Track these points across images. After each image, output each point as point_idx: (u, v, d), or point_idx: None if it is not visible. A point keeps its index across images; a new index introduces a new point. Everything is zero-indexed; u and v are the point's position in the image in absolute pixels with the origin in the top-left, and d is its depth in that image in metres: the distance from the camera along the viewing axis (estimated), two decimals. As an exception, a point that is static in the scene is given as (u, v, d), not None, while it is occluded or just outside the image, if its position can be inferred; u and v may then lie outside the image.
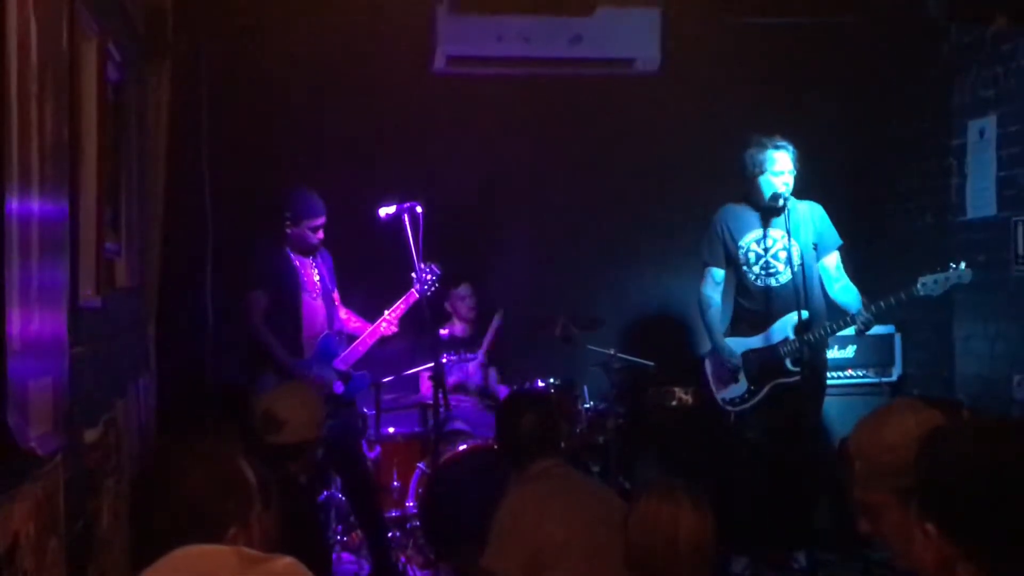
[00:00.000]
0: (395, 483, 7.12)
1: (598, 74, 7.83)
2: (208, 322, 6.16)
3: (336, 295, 6.92)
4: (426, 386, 7.34)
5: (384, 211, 6.64)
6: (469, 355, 7.69)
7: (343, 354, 6.73)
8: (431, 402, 6.78)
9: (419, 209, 6.56)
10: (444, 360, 7.09)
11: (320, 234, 6.66)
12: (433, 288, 6.92)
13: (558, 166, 8.12)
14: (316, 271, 6.74)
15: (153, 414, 5.43)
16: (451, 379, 7.44)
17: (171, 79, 5.52)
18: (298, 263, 6.67)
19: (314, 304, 6.69)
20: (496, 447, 5.50)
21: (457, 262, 7.42)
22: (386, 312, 6.82)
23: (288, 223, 6.61)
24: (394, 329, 6.84)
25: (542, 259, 8.10)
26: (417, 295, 6.82)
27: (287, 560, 1.82)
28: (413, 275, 6.77)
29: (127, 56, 4.46)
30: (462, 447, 6.85)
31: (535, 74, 7.77)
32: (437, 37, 7.32)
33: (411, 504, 7.06)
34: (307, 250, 6.70)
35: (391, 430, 7.31)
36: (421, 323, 6.91)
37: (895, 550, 2.84)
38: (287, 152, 7.51)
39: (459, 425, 7.26)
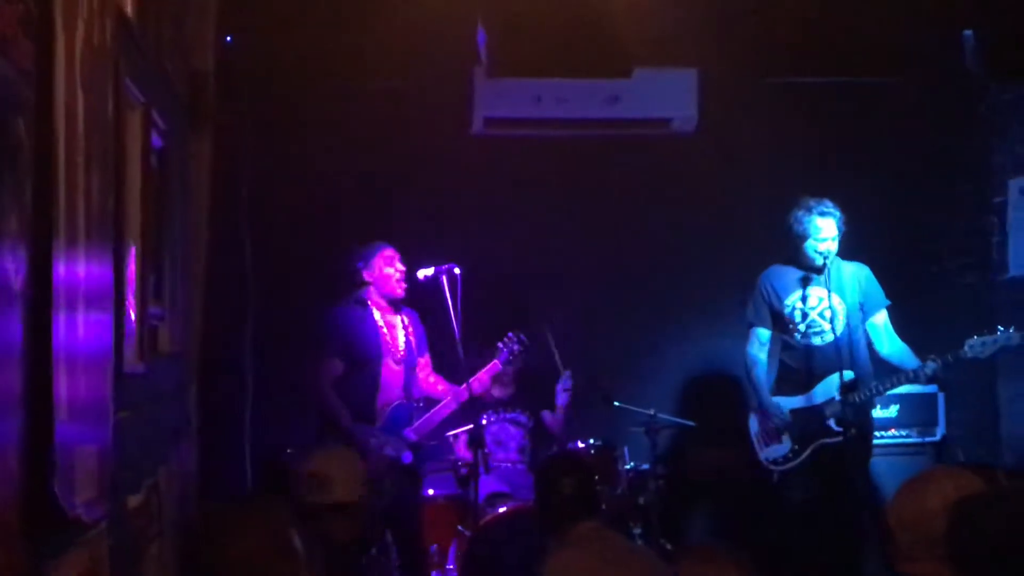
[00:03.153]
0: (435, 546, 7.07)
1: (635, 134, 7.87)
2: (248, 387, 6.19)
3: (424, 359, 6.86)
4: (464, 447, 7.30)
5: (422, 273, 6.64)
6: (508, 414, 7.64)
7: (416, 423, 6.68)
8: (470, 463, 6.74)
9: (457, 271, 6.56)
10: (483, 421, 7.06)
11: (399, 267, 6.60)
12: (519, 359, 6.89)
13: (597, 226, 8.12)
14: (403, 332, 6.69)
15: (194, 480, 5.43)
16: (491, 438, 7.41)
17: (213, 145, 5.57)
18: (383, 324, 6.63)
19: (394, 370, 6.63)
20: (536, 510, 5.47)
21: (495, 324, 7.41)
22: (466, 383, 6.71)
23: (363, 271, 6.59)
24: (483, 393, 6.81)
25: (582, 320, 8.09)
26: (501, 365, 6.80)
27: None
28: (500, 344, 6.77)
29: (171, 123, 4.51)
30: (503, 509, 6.81)
31: (573, 135, 7.81)
32: (475, 100, 7.38)
33: (451, 567, 7.01)
34: (394, 296, 6.63)
35: (431, 492, 7.27)
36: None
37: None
38: (327, 216, 7.55)
39: (500, 487, 7.22)
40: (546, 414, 7.54)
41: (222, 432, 6.30)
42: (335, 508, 4.38)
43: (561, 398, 7.42)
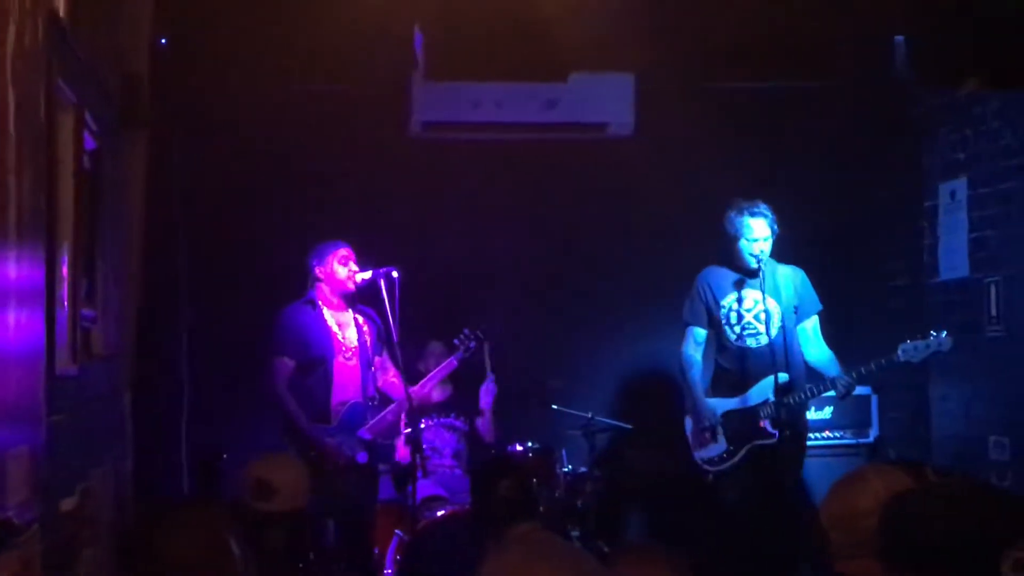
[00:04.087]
0: (373, 551, 7.05)
1: (572, 139, 7.89)
2: (184, 389, 6.15)
3: (383, 359, 6.83)
4: (402, 451, 7.28)
5: (360, 276, 6.62)
6: (444, 419, 7.64)
7: (371, 422, 6.65)
8: (408, 467, 6.72)
9: (395, 274, 6.53)
10: (422, 424, 7.05)
11: (352, 266, 6.56)
12: (474, 356, 6.88)
13: (534, 229, 8.14)
14: (355, 331, 6.65)
15: (130, 483, 5.40)
16: (427, 443, 7.40)
17: (148, 147, 5.54)
18: (334, 322, 6.60)
19: (347, 367, 6.58)
20: (473, 513, 5.48)
21: (433, 327, 7.41)
22: (423, 380, 6.73)
23: (316, 268, 6.57)
24: (435, 398, 6.78)
25: (519, 323, 8.10)
26: (457, 363, 6.79)
27: None
28: (456, 341, 6.76)
29: (104, 124, 4.48)
30: (440, 513, 6.80)
31: (510, 139, 7.83)
32: (413, 103, 7.37)
33: (389, 572, 6.99)
34: (345, 292, 6.59)
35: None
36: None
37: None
38: (263, 219, 7.52)
39: (437, 491, 7.22)
40: (479, 421, 7.55)
41: (158, 435, 6.26)
42: (275, 516, 4.36)
43: (484, 400, 7.43)
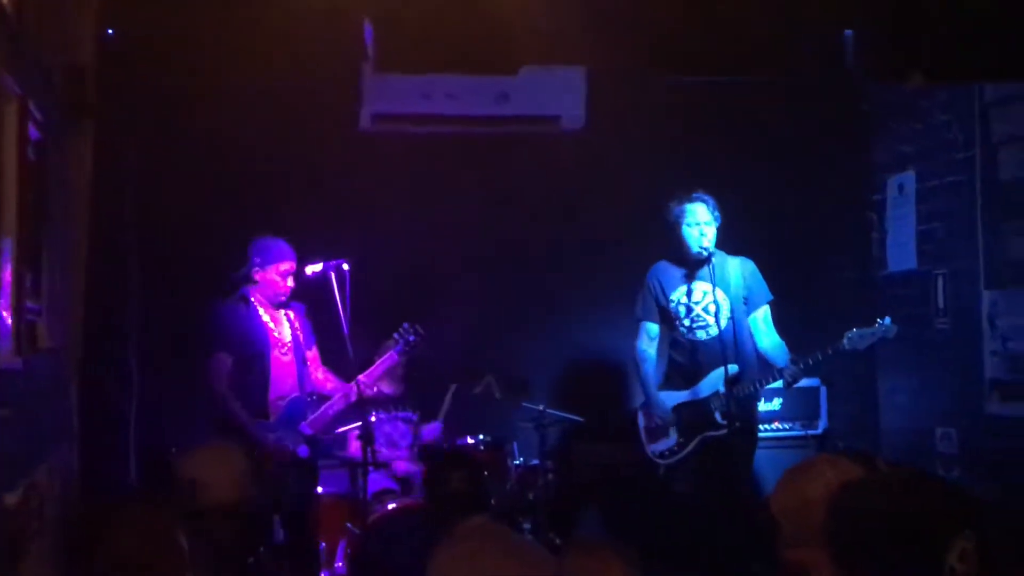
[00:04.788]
0: (324, 544, 7.03)
1: (524, 131, 7.90)
2: (133, 383, 6.10)
3: (312, 354, 6.80)
4: (354, 445, 7.26)
5: (310, 269, 6.59)
6: (398, 412, 7.63)
7: (312, 417, 6.61)
8: (359, 461, 6.70)
9: (346, 267, 6.51)
10: (372, 418, 7.03)
11: (290, 281, 6.54)
12: (415, 350, 6.85)
13: (486, 222, 8.13)
14: (288, 326, 6.63)
15: (76, 479, 5.34)
16: (380, 437, 7.38)
17: (96, 141, 5.48)
18: (268, 318, 6.57)
19: (283, 363, 6.55)
20: (425, 506, 5.48)
21: (385, 320, 7.38)
22: (361, 375, 6.67)
23: (256, 268, 6.51)
24: (370, 392, 6.75)
25: (472, 315, 8.09)
26: (397, 356, 6.76)
27: None
28: (395, 335, 6.73)
29: (50, 116, 4.43)
30: (391, 506, 6.80)
31: (462, 132, 7.82)
32: (363, 96, 7.34)
33: (340, 565, 6.98)
34: (277, 300, 6.57)
35: (319, 490, 7.23)
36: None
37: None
38: (214, 212, 7.46)
39: (389, 484, 7.21)
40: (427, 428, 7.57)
41: (106, 429, 6.21)
42: (213, 511, 4.33)
43: (427, 434, 7.51)
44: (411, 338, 6.78)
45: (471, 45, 6.34)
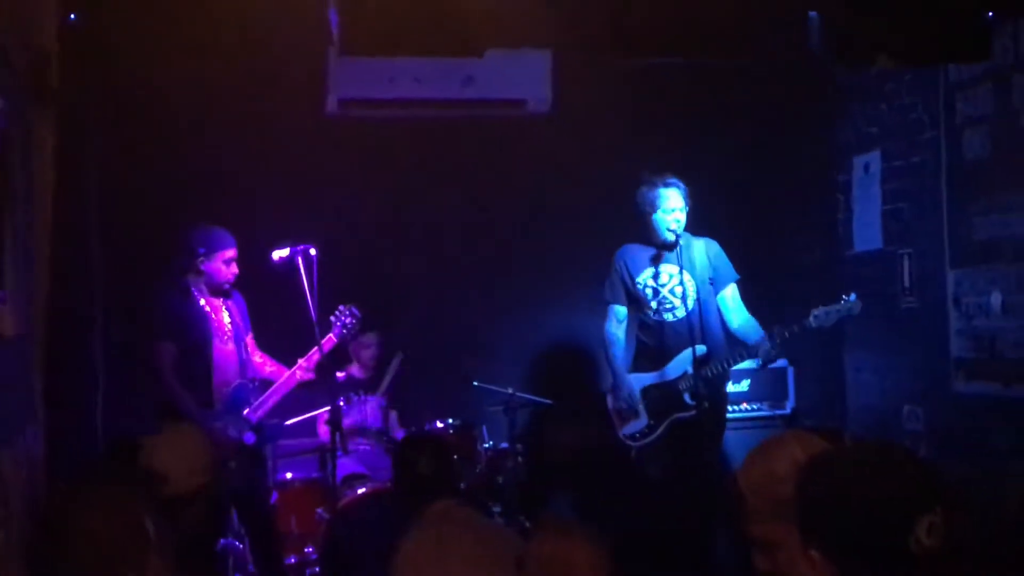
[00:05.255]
0: (294, 530, 7.02)
1: (491, 115, 7.89)
2: (99, 370, 6.05)
3: (250, 339, 6.77)
4: (324, 430, 7.25)
5: (277, 254, 6.56)
6: (368, 397, 7.62)
7: (255, 403, 6.58)
8: (328, 446, 6.68)
9: (313, 252, 6.48)
10: (341, 403, 7.01)
11: (234, 268, 6.51)
12: (353, 332, 6.82)
13: (454, 207, 8.13)
14: (227, 313, 6.60)
15: (42, 466, 5.31)
16: (348, 422, 7.37)
17: (59, 126, 5.44)
18: (208, 307, 6.53)
19: (225, 350, 6.53)
20: (394, 490, 5.48)
21: (353, 305, 7.37)
22: (301, 359, 6.65)
23: (202, 258, 6.46)
24: (311, 376, 6.71)
25: (439, 300, 8.09)
26: (336, 339, 6.73)
27: None
28: (332, 318, 6.70)
29: (11, 101, 4.39)
30: (361, 491, 6.79)
31: (428, 116, 7.80)
32: (329, 80, 7.32)
33: (310, 550, 6.98)
34: (220, 288, 6.54)
35: (288, 476, 7.22)
36: (321, 366, 6.79)
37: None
38: (179, 197, 7.41)
39: (358, 469, 7.20)
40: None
41: (72, 416, 6.15)
42: (175, 499, 4.31)
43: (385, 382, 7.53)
44: (347, 319, 6.74)
45: (436, 28, 6.31)
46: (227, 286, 6.58)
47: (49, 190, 5.29)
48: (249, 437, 6.46)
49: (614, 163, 7.74)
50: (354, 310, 6.74)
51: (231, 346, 6.57)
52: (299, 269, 6.46)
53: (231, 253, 6.50)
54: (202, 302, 6.52)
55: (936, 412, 7.04)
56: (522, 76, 7.57)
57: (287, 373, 6.63)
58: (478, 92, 7.53)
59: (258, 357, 6.82)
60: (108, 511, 2.58)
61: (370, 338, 7.68)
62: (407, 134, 7.86)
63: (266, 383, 6.75)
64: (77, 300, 5.99)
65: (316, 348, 6.63)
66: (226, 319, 6.58)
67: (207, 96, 7.31)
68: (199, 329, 6.46)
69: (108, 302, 6.41)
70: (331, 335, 6.72)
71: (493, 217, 8.20)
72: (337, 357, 7.31)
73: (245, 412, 6.51)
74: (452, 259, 8.17)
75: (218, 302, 6.59)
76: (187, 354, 6.41)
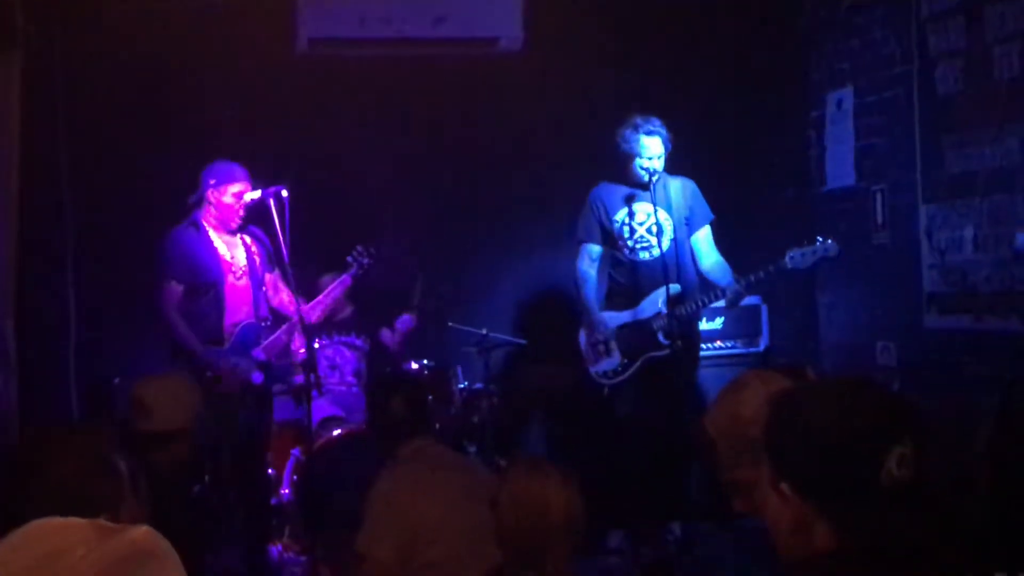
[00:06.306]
0: (270, 470, 7.03)
1: (463, 54, 7.85)
2: (71, 316, 6.03)
3: (272, 278, 6.69)
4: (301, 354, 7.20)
5: (248, 196, 6.50)
6: (345, 338, 7.60)
7: (265, 342, 6.55)
8: (304, 387, 6.66)
9: (285, 193, 6.41)
10: (317, 344, 7.00)
11: (244, 203, 6.44)
12: (370, 273, 6.77)
13: (426, 147, 8.08)
14: (244, 251, 6.53)
15: (15, 410, 5.31)
16: (327, 361, 7.36)
17: (25, 66, 5.38)
18: (222, 243, 6.48)
19: (238, 288, 6.48)
20: (368, 431, 5.49)
21: (326, 246, 7.33)
22: (315, 298, 6.65)
23: (211, 188, 6.40)
24: (318, 317, 6.69)
25: (411, 240, 8.07)
26: (351, 280, 6.69)
27: (144, 528, 1.79)
28: (349, 259, 6.66)
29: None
30: (336, 432, 6.80)
31: (399, 55, 7.74)
32: (299, 19, 7.26)
33: (286, 492, 6.99)
34: (230, 224, 6.48)
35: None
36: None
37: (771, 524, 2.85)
38: (149, 139, 7.34)
39: (334, 411, 7.21)
40: (385, 333, 7.55)
41: (45, 363, 6.15)
42: (156, 436, 4.32)
43: (401, 324, 7.46)
44: (365, 260, 6.69)
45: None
46: (236, 221, 6.50)
47: (17, 134, 5.25)
48: (257, 376, 6.43)
49: (587, 101, 7.71)
50: (372, 250, 6.69)
51: (244, 283, 6.51)
52: (271, 211, 6.41)
53: (239, 187, 6.42)
54: (214, 237, 6.47)
55: (909, 347, 7.06)
56: (493, 14, 7.53)
57: (296, 314, 6.54)
58: (449, 31, 7.49)
59: (285, 295, 6.74)
60: (79, 452, 2.57)
61: (406, 322, 7.63)
62: (379, 74, 7.80)
63: (278, 321, 6.70)
64: (48, 242, 5.97)
65: (329, 289, 6.61)
66: (240, 256, 6.51)
67: (176, 36, 7.24)
68: (208, 267, 6.41)
69: (79, 244, 6.38)
70: (347, 275, 6.67)
71: (466, 157, 8.16)
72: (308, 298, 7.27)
73: (253, 351, 6.48)
74: (426, 199, 8.13)
75: (234, 239, 6.53)
76: (195, 293, 6.38)
